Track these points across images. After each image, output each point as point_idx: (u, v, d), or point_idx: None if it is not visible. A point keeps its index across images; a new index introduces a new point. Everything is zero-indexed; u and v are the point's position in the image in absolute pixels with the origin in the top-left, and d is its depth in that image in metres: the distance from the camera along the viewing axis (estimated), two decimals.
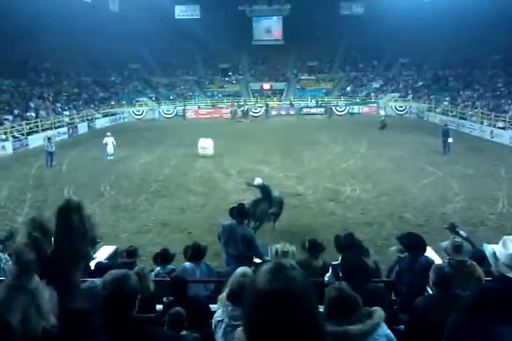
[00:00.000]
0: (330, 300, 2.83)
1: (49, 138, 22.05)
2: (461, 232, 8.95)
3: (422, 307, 3.89)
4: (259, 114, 42.75)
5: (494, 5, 36.61)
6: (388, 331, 2.87)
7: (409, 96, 45.09)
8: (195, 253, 6.02)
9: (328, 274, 4.71)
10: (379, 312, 2.83)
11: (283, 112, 44.43)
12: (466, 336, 2.75)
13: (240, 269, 4.03)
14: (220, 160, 21.06)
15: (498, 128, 27.97)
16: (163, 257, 6.00)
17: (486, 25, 39.32)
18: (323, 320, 1.31)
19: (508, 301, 2.71)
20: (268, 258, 7.17)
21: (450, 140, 22.31)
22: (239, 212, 6.95)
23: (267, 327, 1.21)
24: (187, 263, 6.07)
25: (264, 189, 11.38)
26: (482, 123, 30.23)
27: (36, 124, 29.88)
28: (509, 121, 27.73)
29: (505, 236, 2.97)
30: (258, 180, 11.75)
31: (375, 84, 49.63)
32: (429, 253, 7.13)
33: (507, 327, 2.36)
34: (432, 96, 42.68)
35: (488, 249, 2.96)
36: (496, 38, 39.83)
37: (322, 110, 43.65)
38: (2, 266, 5.69)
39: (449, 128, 23.67)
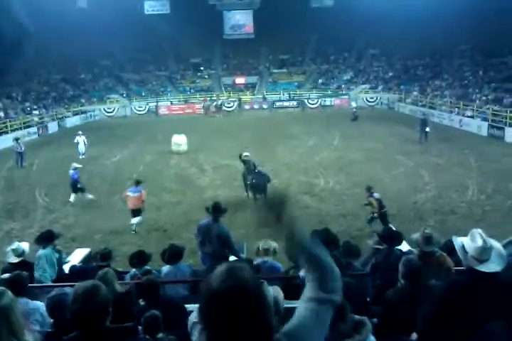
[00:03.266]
0: None
1: (17, 139, 21.62)
2: (375, 194, 10.46)
3: (393, 299, 3.98)
4: (232, 108, 42.66)
5: None
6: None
7: (380, 88, 45.62)
8: (173, 256, 5.97)
9: (302, 270, 4.76)
10: (367, 326, 2.95)
11: (256, 106, 44.46)
12: (436, 330, 2.85)
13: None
14: (194, 156, 20.99)
15: (467, 117, 28.53)
16: (139, 258, 5.95)
17: (453, 16, 39.88)
18: (272, 320, 1.42)
19: (475, 294, 2.79)
20: (243, 255, 7.24)
21: (427, 129, 22.93)
22: (214, 208, 6.95)
23: (219, 323, 1.34)
24: (165, 267, 6.03)
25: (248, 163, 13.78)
26: (451, 112, 30.80)
27: (5, 125, 29.19)
28: (477, 110, 28.32)
29: (474, 229, 3.05)
30: (246, 154, 14.15)
31: (346, 76, 49.96)
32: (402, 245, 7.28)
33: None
34: (401, 87, 43.26)
35: (457, 241, 3.05)
36: (463, 28, 40.42)
37: (295, 103, 43.86)
38: None
39: (427, 118, 24.29)
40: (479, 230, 3.03)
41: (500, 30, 36.31)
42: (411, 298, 3.76)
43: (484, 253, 2.89)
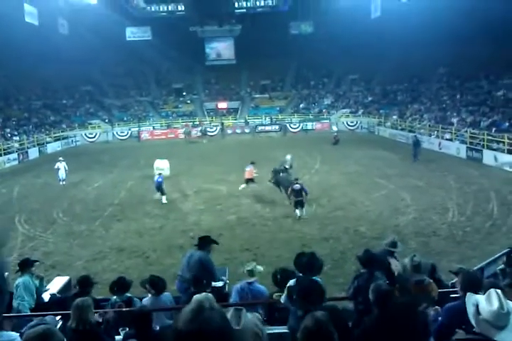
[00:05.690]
0: (306, 331, 2.59)
1: None
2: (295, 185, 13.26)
3: (368, 327, 3.85)
4: (215, 133, 42.85)
5: (437, 20, 38.27)
6: None
7: (360, 112, 46.37)
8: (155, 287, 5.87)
9: (283, 295, 4.71)
10: None
11: (238, 131, 44.75)
12: None
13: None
14: (176, 180, 20.89)
15: (446, 139, 29.06)
16: (120, 286, 5.85)
17: (430, 40, 40.92)
18: None
19: None
20: (225, 279, 7.21)
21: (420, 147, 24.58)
22: (202, 242, 7.02)
23: None
24: (146, 298, 5.85)
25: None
26: (430, 135, 31.35)
27: None
28: (455, 133, 28.87)
29: (491, 289, 2.67)
30: (288, 156, 19.12)
31: (327, 101, 50.74)
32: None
33: None
34: (381, 111, 44.04)
35: (472, 300, 2.67)
36: (440, 53, 41.50)
37: (277, 127, 44.28)
38: None
39: (419, 138, 25.75)
40: (498, 290, 2.61)
41: (476, 55, 37.45)
42: (382, 327, 3.58)
43: (500, 318, 2.47)
